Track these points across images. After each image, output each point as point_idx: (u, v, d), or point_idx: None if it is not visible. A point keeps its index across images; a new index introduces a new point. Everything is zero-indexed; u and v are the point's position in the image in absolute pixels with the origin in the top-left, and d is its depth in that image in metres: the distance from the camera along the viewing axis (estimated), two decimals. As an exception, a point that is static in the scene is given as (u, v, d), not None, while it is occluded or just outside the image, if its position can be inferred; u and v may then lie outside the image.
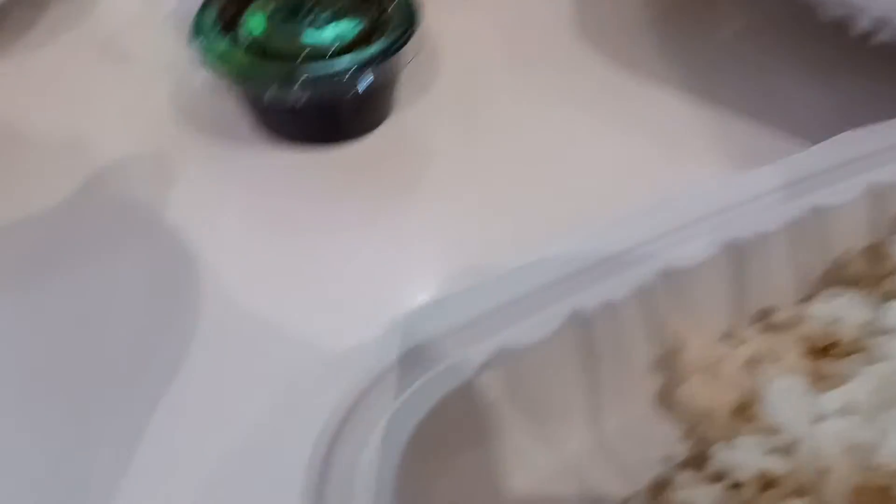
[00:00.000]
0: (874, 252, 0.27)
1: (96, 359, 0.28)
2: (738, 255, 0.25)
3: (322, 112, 0.34)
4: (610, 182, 0.33)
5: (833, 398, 0.21)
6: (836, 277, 0.26)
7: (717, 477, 0.23)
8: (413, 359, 0.23)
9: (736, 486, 0.22)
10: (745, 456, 0.22)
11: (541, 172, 0.34)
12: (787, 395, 0.22)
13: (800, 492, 0.21)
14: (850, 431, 0.21)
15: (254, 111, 0.35)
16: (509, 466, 0.23)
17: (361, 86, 0.32)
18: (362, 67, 0.32)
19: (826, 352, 0.24)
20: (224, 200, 0.33)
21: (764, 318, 0.26)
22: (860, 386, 0.22)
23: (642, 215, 0.26)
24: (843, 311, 0.24)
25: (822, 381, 0.23)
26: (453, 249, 0.31)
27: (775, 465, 0.21)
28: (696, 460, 0.24)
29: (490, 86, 0.38)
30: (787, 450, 0.22)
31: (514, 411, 0.23)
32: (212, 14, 0.33)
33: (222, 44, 0.32)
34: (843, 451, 0.21)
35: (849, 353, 0.24)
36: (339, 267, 0.30)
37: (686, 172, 0.33)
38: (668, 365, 0.25)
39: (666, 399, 0.25)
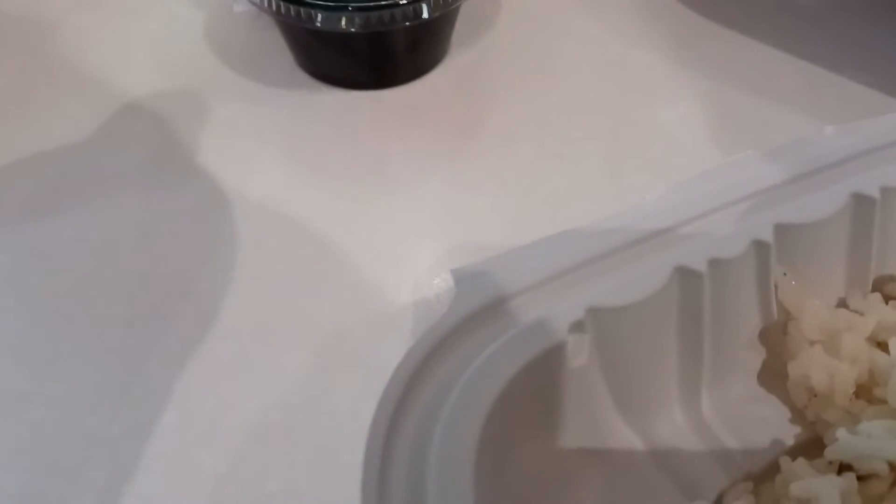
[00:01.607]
0: None
1: (125, 300, 0.25)
2: (865, 212, 0.22)
3: (373, 47, 0.30)
4: (691, 135, 0.30)
5: None
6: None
7: (837, 467, 0.20)
8: (490, 314, 0.20)
9: (860, 478, 0.19)
10: (873, 443, 0.19)
11: (615, 122, 0.30)
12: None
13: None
14: None
15: (296, 45, 0.31)
16: (595, 444, 0.20)
17: (420, 16, 0.28)
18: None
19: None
20: (262, 144, 0.30)
21: (884, 286, 0.23)
22: None
23: (753, 161, 0.23)
24: None
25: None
26: (514, 204, 0.28)
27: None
28: (810, 447, 0.21)
29: (555, 27, 0.34)
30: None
31: (602, 380, 0.20)
32: None
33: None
34: None
35: None
36: (387, 220, 0.27)
37: (777, 124, 0.30)
38: (778, 336, 0.22)
39: (774, 375, 0.22)
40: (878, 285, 0.23)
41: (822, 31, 0.34)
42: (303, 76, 0.32)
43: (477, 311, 0.20)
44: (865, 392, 0.21)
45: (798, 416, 0.21)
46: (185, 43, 0.33)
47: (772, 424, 0.21)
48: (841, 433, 0.19)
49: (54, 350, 0.24)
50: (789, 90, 0.31)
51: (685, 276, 0.20)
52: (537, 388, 0.19)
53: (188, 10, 0.35)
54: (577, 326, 0.19)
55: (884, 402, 0.20)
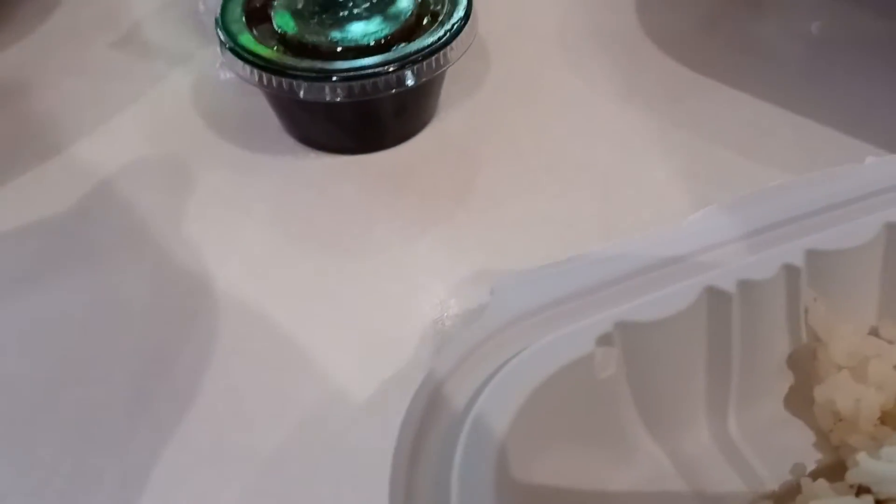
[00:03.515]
0: None
1: (103, 381, 0.25)
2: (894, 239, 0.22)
3: (357, 114, 0.31)
4: (682, 194, 0.29)
5: None
6: None
7: (857, 490, 0.20)
8: (520, 326, 0.21)
9: (879, 502, 0.20)
10: (894, 468, 0.19)
11: (605, 181, 0.30)
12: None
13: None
14: None
15: (282, 112, 0.32)
16: (619, 455, 0.21)
17: (404, 84, 0.29)
18: (405, 64, 0.29)
19: None
20: (247, 212, 0.30)
21: (917, 319, 0.23)
22: None
23: (787, 189, 0.23)
24: None
25: None
26: (504, 269, 0.27)
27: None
28: (833, 470, 0.21)
29: (543, 88, 0.34)
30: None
31: (630, 396, 0.21)
32: (238, 5, 0.31)
33: (249, 37, 0.29)
34: None
35: None
36: (372, 291, 0.27)
37: (768, 180, 0.27)
38: (807, 360, 0.22)
39: (801, 398, 0.22)
40: (912, 316, 0.23)
41: (810, 82, 0.33)
42: (290, 141, 0.32)
43: (507, 322, 0.21)
44: (891, 419, 0.21)
45: (823, 439, 0.22)
46: (172, 109, 0.34)
47: (797, 447, 0.22)
48: (862, 457, 0.20)
49: (30, 437, 0.24)
50: (780, 144, 0.31)
51: (714, 297, 0.21)
52: (564, 398, 0.20)
53: (175, 76, 0.35)
54: (605, 339, 0.20)
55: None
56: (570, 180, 0.30)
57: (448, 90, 0.33)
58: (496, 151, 0.32)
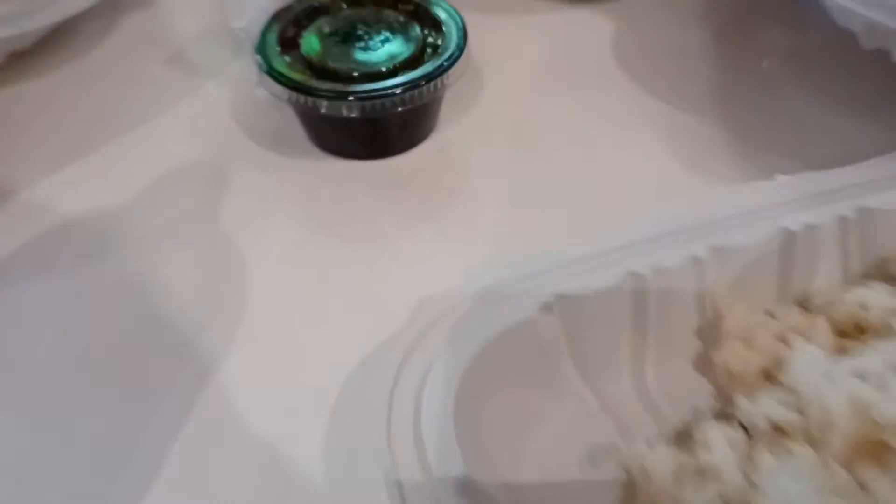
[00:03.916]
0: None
1: (142, 346, 0.31)
2: (789, 243, 0.28)
3: (370, 127, 0.37)
4: (636, 195, 0.36)
5: (846, 364, 0.24)
6: (877, 273, 0.29)
7: (738, 428, 0.26)
8: (486, 298, 0.27)
9: (752, 436, 0.26)
10: (762, 408, 0.25)
11: (581, 191, 0.36)
12: (808, 361, 0.25)
13: (808, 442, 0.24)
14: (857, 392, 0.23)
15: (307, 125, 0.38)
16: (556, 395, 0.27)
17: (408, 104, 0.35)
18: (410, 88, 0.35)
19: (852, 335, 0.27)
20: (275, 206, 0.36)
21: (805, 302, 0.29)
22: (872, 357, 0.24)
23: (701, 201, 0.30)
24: (871, 298, 0.27)
25: (843, 355, 0.26)
26: (488, 256, 0.33)
27: (787, 417, 0.25)
28: (723, 415, 0.27)
29: (528, 107, 0.41)
30: (800, 408, 0.25)
31: (567, 352, 0.27)
32: (274, 33, 0.37)
33: (282, 61, 0.36)
34: (849, 408, 0.23)
35: (873, 336, 0.26)
36: (375, 267, 0.33)
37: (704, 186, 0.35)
38: (710, 331, 0.28)
39: (705, 360, 0.28)
40: (800, 301, 0.29)
41: (757, 109, 0.40)
42: (312, 149, 0.38)
43: (474, 294, 0.27)
44: (770, 376, 0.27)
45: (720, 392, 0.28)
46: (214, 120, 0.40)
47: (698, 397, 0.28)
48: (742, 400, 0.26)
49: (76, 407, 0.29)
50: (719, 159, 0.37)
51: (634, 278, 0.27)
52: (512, 350, 0.26)
53: (218, 92, 0.42)
54: (546, 307, 0.26)
55: (773, 378, 0.26)
56: (550, 190, 0.36)
57: (447, 107, 0.39)
58: (486, 160, 0.38)
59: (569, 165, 0.38)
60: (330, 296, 0.33)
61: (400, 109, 0.35)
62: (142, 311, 0.32)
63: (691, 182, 0.36)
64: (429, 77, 0.35)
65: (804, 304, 0.29)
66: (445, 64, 0.36)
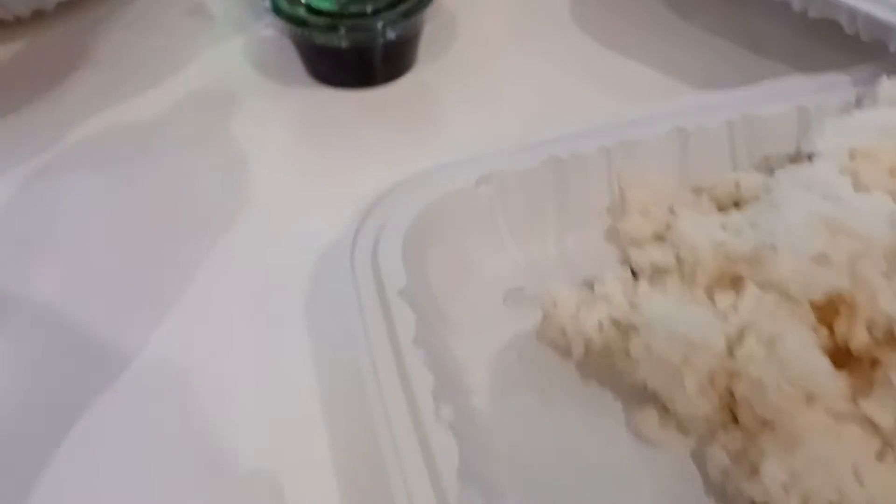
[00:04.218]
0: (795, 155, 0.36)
1: (168, 223, 0.39)
2: (684, 140, 0.35)
3: (357, 58, 0.44)
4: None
5: (713, 219, 0.31)
6: (762, 169, 0.36)
7: (630, 272, 0.33)
8: (435, 173, 0.34)
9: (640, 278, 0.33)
10: (648, 255, 0.32)
11: (523, 112, 0.43)
12: (687, 221, 0.32)
13: (680, 280, 0.31)
14: (716, 235, 0.30)
15: (304, 58, 0.46)
16: (491, 251, 0.34)
17: (389, 36, 0.43)
18: (389, 24, 0.42)
19: (730, 208, 0.34)
20: (276, 123, 0.44)
21: (699, 191, 0.36)
22: (734, 215, 0.32)
23: (616, 111, 0.37)
24: (744, 178, 0.34)
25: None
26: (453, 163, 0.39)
27: (666, 260, 0.31)
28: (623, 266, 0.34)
29: (495, 51, 0.48)
30: (677, 255, 0.32)
31: (501, 217, 0.34)
32: None
33: (285, 3, 0.43)
34: (710, 247, 0.30)
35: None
36: (353, 166, 0.40)
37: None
38: (618, 208, 0.35)
39: (614, 231, 0.35)
40: (695, 189, 0.36)
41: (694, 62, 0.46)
42: (309, 80, 0.46)
43: (431, 170, 0.34)
44: (661, 239, 0.34)
45: (623, 254, 0.35)
46: (228, 56, 0.48)
47: (610, 256, 0.35)
48: (632, 250, 0.33)
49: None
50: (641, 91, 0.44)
51: (556, 161, 0.34)
52: (454, 211, 0.33)
53: (232, 32, 0.50)
54: (484, 178, 0.33)
55: (661, 240, 0.33)
56: (510, 122, 0.43)
57: (424, 52, 0.47)
58: (455, 92, 0.46)
59: (522, 96, 0.45)
60: (318, 186, 0.40)
61: (382, 41, 0.43)
62: (171, 197, 0.40)
63: (618, 106, 0.43)
64: (404, 15, 0.43)
65: (697, 192, 0.36)
66: (419, 7, 0.43)
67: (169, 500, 0.30)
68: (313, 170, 0.42)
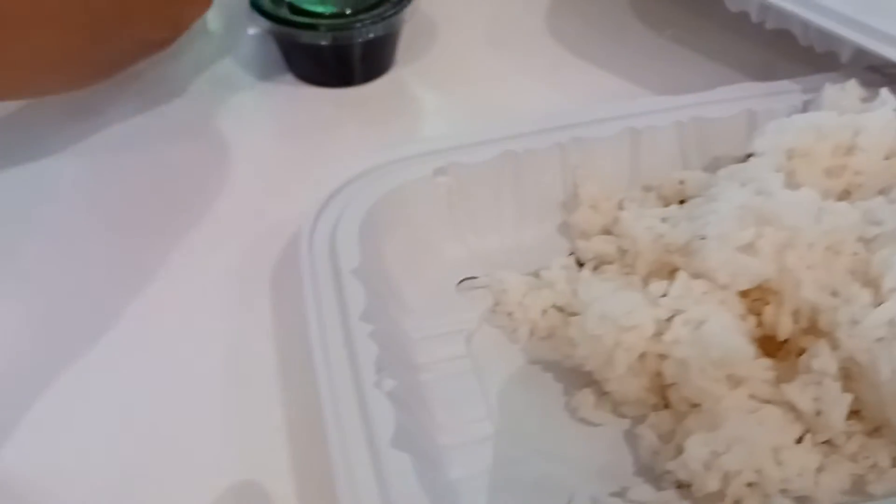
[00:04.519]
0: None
1: (146, 211, 0.41)
2: (635, 139, 0.37)
3: (337, 57, 0.46)
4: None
5: (654, 211, 0.33)
6: (712, 170, 0.37)
7: (579, 264, 0.35)
8: (395, 163, 0.36)
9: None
10: (593, 245, 0.34)
11: (492, 113, 0.45)
12: (632, 214, 0.34)
13: (624, 268, 0.33)
14: (655, 226, 0.32)
15: (287, 56, 0.47)
16: (448, 242, 0.36)
17: (368, 35, 0.44)
18: (368, 23, 0.44)
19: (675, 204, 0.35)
20: (261, 119, 0.47)
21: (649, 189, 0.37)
22: (673, 208, 0.33)
23: (571, 111, 0.38)
24: (688, 176, 0.35)
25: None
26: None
27: (609, 249, 0.33)
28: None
29: (472, 56, 0.50)
30: (620, 247, 0.33)
31: (459, 208, 0.36)
32: None
33: (269, 3, 0.45)
34: (649, 237, 0.32)
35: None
36: (334, 167, 0.39)
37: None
38: (572, 202, 0.37)
39: (566, 225, 0.37)
40: (645, 187, 0.37)
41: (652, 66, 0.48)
42: (291, 78, 0.48)
43: (387, 160, 0.36)
44: (609, 233, 0.35)
45: (573, 244, 0.36)
46: (213, 53, 0.50)
47: (563, 248, 0.36)
48: (579, 241, 0.35)
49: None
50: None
51: (510, 155, 0.36)
52: (412, 199, 0.35)
53: (221, 31, 0.52)
54: (440, 170, 0.35)
55: (610, 233, 0.35)
56: (476, 113, 0.45)
57: (403, 54, 0.49)
58: (430, 92, 0.48)
59: (494, 100, 0.46)
60: (292, 178, 0.42)
61: (361, 40, 0.45)
62: (149, 186, 0.42)
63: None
64: (384, 16, 0.45)
65: (647, 189, 0.37)
66: (396, 9, 0.45)
67: (133, 459, 0.31)
68: (289, 163, 0.43)
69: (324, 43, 0.45)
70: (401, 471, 0.26)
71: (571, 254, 0.35)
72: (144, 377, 0.34)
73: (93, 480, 0.31)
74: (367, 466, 0.26)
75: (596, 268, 0.34)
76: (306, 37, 0.45)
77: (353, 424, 0.27)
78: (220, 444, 0.32)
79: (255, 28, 0.47)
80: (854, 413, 0.29)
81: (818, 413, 0.28)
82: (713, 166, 0.38)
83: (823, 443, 0.28)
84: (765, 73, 0.43)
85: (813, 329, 0.30)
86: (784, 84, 0.40)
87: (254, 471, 0.31)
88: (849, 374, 0.29)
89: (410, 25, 0.48)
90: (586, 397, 0.31)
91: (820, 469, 0.28)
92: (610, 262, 0.33)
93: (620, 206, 0.36)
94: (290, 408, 0.32)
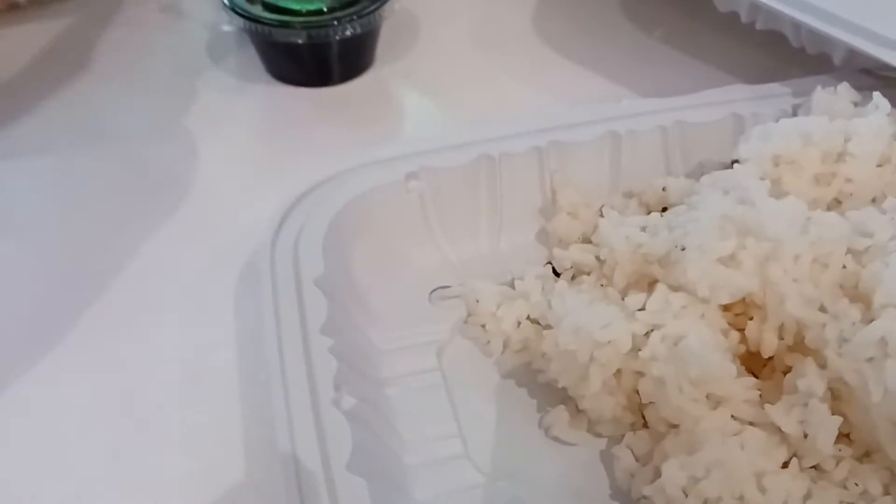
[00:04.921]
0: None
1: (112, 209, 0.39)
2: (616, 144, 0.35)
3: (314, 55, 0.45)
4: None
5: (633, 219, 0.31)
6: (697, 176, 0.36)
7: (556, 273, 0.33)
8: (365, 167, 0.34)
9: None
10: (570, 254, 0.32)
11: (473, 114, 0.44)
12: (610, 222, 0.32)
13: (602, 279, 0.31)
14: (634, 236, 0.30)
15: (263, 54, 0.46)
16: (420, 249, 0.34)
17: (345, 33, 0.43)
18: (345, 21, 0.42)
19: (657, 211, 0.34)
20: (235, 120, 0.44)
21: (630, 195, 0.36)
22: (654, 216, 0.31)
23: (550, 113, 0.37)
24: (671, 183, 0.34)
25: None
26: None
27: (586, 259, 0.31)
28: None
29: (454, 57, 0.49)
30: (598, 256, 0.32)
31: (433, 214, 0.34)
32: None
33: (244, 1, 0.43)
34: (627, 247, 0.30)
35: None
36: (309, 169, 0.37)
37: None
38: (549, 209, 0.35)
39: (544, 232, 0.35)
40: (626, 193, 0.36)
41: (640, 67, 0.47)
42: (267, 77, 0.46)
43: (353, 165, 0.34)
44: (587, 240, 0.34)
45: (550, 252, 0.34)
46: (190, 51, 0.49)
47: (541, 256, 0.35)
48: (555, 250, 0.33)
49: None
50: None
51: (487, 159, 0.34)
52: (382, 204, 0.33)
53: (194, 28, 0.50)
54: (413, 175, 0.33)
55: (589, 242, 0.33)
56: (454, 115, 0.44)
57: (383, 53, 0.47)
58: (410, 94, 0.46)
59: (476, 102, 0.45)
60: (264, 180, 0.40)
61: (338, 37, 0.43)
62: (118, 184, 0.40)
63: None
64: (361, 14, 0.43)
65: (628, 196, 0.36)
66: (375, 6, 0.43)
67: (86, 471, 0.30)
68: (262, 165, 0.42)
69: (300, 41, 0.43)
70: (355, 496, 0.24)
71: (548, 263, 0.34)
72: (99, 386, 0.32)
73: (45, 495, 0.29)
74: (322, 491, 0.25)
75: (573, 278, 0.32)
76: (281, 34, 0.43)
77: (308, 445, 0.25)
78: (177, 456, 0.30)
79: (229, 25, 0.45)
80: (843, 436, 0.27)
81: (805, 436, 0.26)
82: (697, 172, 0.36)
83: (811, 468, 0.27)
84: (757, 76, 0.41)
85: (799, 346, 0.28)
86: (773, 87, 0.38)
87: (209, 489, 0.29)
88: (837, 395, 0.27)
89: (391, 23, 0.46)
90: (560, 415, 0.29)
91: (807, 496, 0.26)
92: (587, 273, 0.32)
93: (601, 214, 0.34)
94: (248, 424, 0.30)
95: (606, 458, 0.29)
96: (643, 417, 0.29)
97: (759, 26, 0.40)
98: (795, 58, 0.42)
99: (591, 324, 0.28)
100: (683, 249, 0.28)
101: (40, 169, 0.42)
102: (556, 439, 0.29)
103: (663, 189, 0.33)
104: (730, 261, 0.28)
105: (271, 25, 0.43)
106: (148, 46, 0.49)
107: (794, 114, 0.36)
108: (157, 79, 0.47)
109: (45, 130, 0.44)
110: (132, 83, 0.46)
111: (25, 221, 0.39)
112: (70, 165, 0.42)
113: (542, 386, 0.31)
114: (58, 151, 0.42)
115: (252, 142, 0.44)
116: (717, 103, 0.37)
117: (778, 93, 0.38)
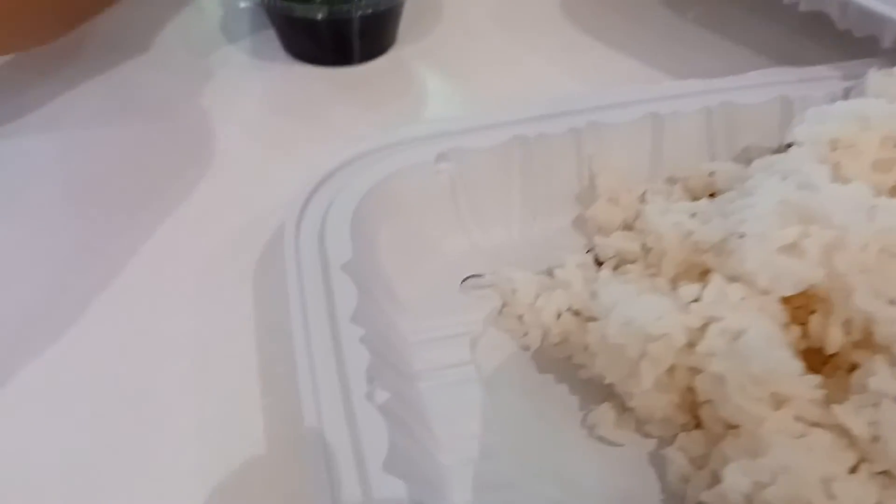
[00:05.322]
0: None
1: (126, 188, 0.37)
2: (658, 126, 0.33)
3: (334, 32, 0.43)
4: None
5: (682, 206, 0.29)
6: (742, 161, 0.34)
7: (597, 262, 0.31)
8: (393, 147, 0.32)
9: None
10: (613, 242, 0.30)
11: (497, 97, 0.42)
12: (656, 208, 0.30)
13: (648, 269, 0.29)
14: (683, 222, 0.28)
15: (281, 32, 0.44)
16: (447, 230, 0.32)
17: (366, 9, 0.41)
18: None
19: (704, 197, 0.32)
20: (253, 98, 0.43)
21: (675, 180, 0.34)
22: (704, 202, 0.29)
23: (588, 94, 0.35)
24: (718, 167, 0.32)
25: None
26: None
27: (631, 247, 0.29)
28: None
29: (478, 38, 0.47)
30: (644, 244, 0.30)
31: (463, 197, 0.32)
32: None
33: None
34: (676, 234, 0.28)
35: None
36: (327, 150, 0.36)
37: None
38: (588, 195, 0.33)
39: (582, 219, 0.33)
40: (670, 178, 0.34)
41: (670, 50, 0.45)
42: (284, 55, 0.45)
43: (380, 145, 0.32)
44: (629, 227, 0.32)
45: (589, 240, 0.33)
46: (208, 29, 0.47)
47: (572, 240, 0.33)
48: (597, 237, 0.31)
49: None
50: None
51: (521, 140, 0.32)
52: (411, 185, 0.31)
53: (210, 5, 0.49)
54: (442, 156, 0.31)
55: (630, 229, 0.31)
56: (480, 97, 0.42)
57: (405, 33, 0.45)
58: (433, 74, 0.44)
59: (501, 84, 0.43)
60: (281, 160, 0.39)
61: (360, 14, 0.41)
62: (132, 162, 0.39)
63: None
64: (385, -11, 0.41)
65: (671, 181, 0.34)
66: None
67: (97, 460, 0.28)
68: (279, 146, 0.40)
69: (319, 17, 0.41)
70: (394, 499, 0.22)
71: (589, 251, 0.32)
72: (110, 376, 0.30)
73: (53, 487, 0.27)
74: (356, 494, 0.23)
75: (616, 267, 0.30)
76: (300, 10, 0.41)
77: (341, 444, 0.23)
78: (193, 453, 0.28)
79: (246, 1, 0.43)
80: (915, 439, 0.26)
81: (875, 439, 0.24)
82: (743, 157, 0.34)
83: (881, 473, 0.24)
84: (795, 60, 0.39)
85: (867, 342, 0.26)
86: (821, 69, 0.36)
87: (227, 489, 0.27)
88: (909, 395, 0.26)
89: (414, 1, 0.45)
90: (606, 413, 0.27)
91: None
92: (632, 262, 0.30)
93: (642, 200, 0.32)
94: (270, 419, 0.28)
95: (655, 460, 0.27)
96: (697, 417, 0.27)
97: (802, 7, 0.38)
98: (838, 41, 0.40)
99: (643, 316, 0.26)
100: (742, 237, 0.26)
101: (49, 148, 0.40)
102: (600, 439, 0.27)
103: (710, 174, 0.32)
104: (792, 250, 0.26)
105: (291, 0, 0.41)
106: (163, 23, 0.47)
107: (845, 97, 0.34)
108: (172, 57, 0.45)
109: (55, 108, 0.42)
110: (147, 61, 0.45)
111: (34, 202, 0.37)
112: (81, 144, 0.40)
113: (584, 382, 0.29)
114: (68, 130, 0.41)
115: (269, 122, 0.42)
116: (763, 85, 0.35)
117: (826, 75, 0.36)
